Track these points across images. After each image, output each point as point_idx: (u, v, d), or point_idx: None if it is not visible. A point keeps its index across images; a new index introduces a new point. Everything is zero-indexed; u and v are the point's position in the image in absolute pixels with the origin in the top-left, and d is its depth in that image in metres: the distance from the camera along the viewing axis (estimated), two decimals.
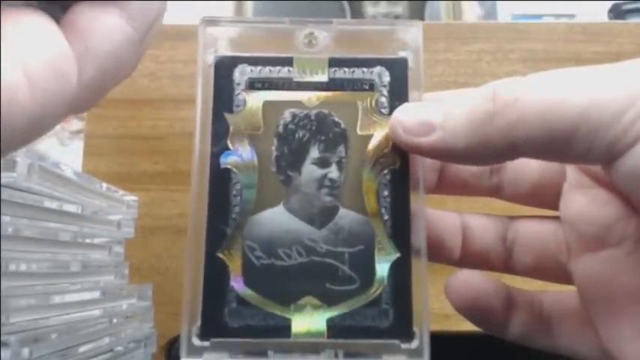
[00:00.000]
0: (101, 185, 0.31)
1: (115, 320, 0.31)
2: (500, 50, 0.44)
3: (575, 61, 0.43)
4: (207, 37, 0.22)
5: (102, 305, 0.30)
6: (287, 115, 0.22)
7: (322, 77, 0.22)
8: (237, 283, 0.20)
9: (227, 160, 0.21)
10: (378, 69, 0.22)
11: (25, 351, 0.22)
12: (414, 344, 0.20)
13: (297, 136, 0.21)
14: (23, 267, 0.25)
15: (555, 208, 0.23)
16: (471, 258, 0.23)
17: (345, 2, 1.08)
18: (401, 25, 0.22)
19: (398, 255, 0.21)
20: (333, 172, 0.21)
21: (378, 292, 0.20)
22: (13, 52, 0.14)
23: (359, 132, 0.22)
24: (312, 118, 0.22)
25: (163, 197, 0.41)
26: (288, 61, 0.22)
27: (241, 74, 0.22)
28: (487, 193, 0.24)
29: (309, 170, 0.21)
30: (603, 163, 0.18)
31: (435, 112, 0.19)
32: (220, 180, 0.21)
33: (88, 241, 0.30)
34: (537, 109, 0.17)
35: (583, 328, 0.21)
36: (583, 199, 0.21)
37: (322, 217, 0.21)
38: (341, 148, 0.22)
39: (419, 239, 0.21)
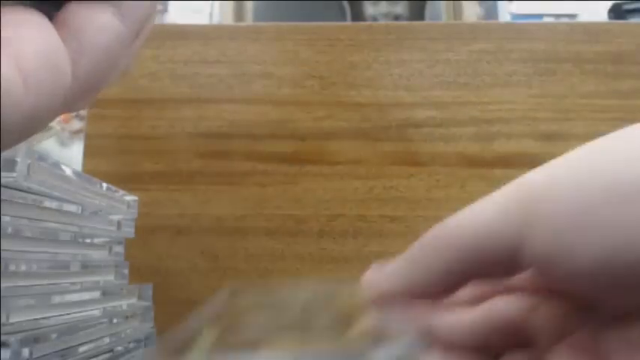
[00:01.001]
0: (101, 185, 0.31)
1: (115, 320, 0.31)
2: (500, 50, 0.44)
3: (576, 61, 0.43)
4: None
5: (102, 305, 0.30)
6: None
7: None
8: None
9: None
10: None
11: (25, 351, 0.22)
12: None
13: None
14: (23, 267, 0.25)
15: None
16: None
17: (345, 2, 1.08)
18: None
19: None
20: None
21: None
22: (7, 48, 0.15)
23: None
24: None
25: (163, 197, 0.41)
26: None
27: None
28: None
29: None
30: (520, 268, 0.20)
31: (387, 266, 0.22)
32: None
33: (88, 241, 0.30)
34: (447, 238, 0.20)
35: None
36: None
37: None
38: None
39: None
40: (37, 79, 0.15)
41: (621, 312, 0.20)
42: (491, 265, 0.20)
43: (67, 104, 0.17)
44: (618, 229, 0.17)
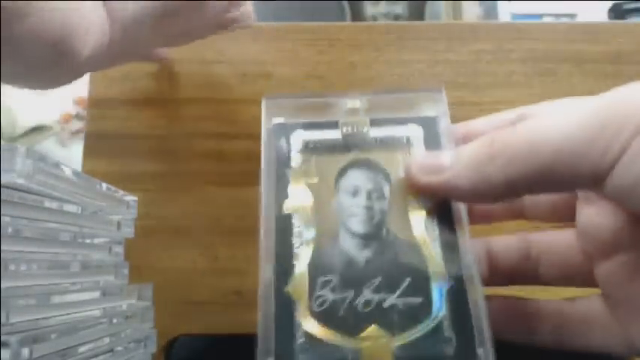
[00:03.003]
0: (101, 185, 0.31)
1: (115, 320, 0.30)
2: (500, 50, 0.44)
3: (576, 60, 0.43)
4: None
5: (102, 305, 0.30)
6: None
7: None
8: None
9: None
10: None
11: (25, 351, 0.22)
12: None
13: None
14: (23, 267, 0.25)
15: (573, 221, 0.25)
16: (498, 277, 0.25)
17: (345, 2, 1.08)
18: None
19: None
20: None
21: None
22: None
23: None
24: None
25: (163, 197, 0.41)
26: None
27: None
28: (511, 217, 0.26)
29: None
30: (594, 188, 0.20)
31: (445, 156, 0.22)
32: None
33: (88, 241, 0.30)
34: (522, 152, 0.20)
35: (612, 328, 0.22)
36: (592, 210, 0.23)
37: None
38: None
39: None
40: (94, 35, 0.25)
41: None
42: (563, 184, 0.20)
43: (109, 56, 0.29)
44: None
